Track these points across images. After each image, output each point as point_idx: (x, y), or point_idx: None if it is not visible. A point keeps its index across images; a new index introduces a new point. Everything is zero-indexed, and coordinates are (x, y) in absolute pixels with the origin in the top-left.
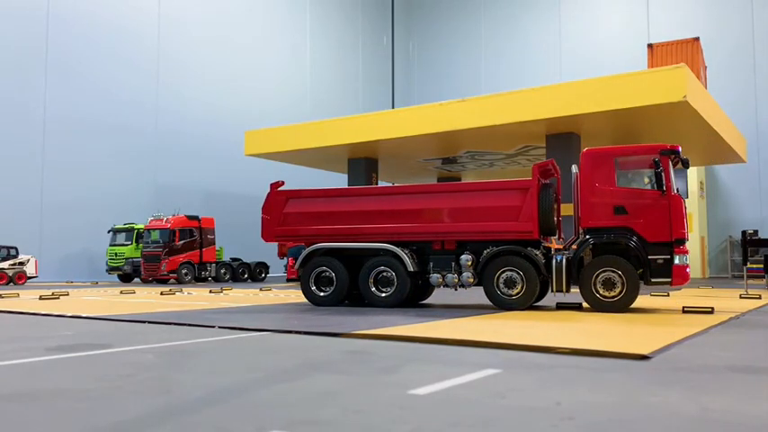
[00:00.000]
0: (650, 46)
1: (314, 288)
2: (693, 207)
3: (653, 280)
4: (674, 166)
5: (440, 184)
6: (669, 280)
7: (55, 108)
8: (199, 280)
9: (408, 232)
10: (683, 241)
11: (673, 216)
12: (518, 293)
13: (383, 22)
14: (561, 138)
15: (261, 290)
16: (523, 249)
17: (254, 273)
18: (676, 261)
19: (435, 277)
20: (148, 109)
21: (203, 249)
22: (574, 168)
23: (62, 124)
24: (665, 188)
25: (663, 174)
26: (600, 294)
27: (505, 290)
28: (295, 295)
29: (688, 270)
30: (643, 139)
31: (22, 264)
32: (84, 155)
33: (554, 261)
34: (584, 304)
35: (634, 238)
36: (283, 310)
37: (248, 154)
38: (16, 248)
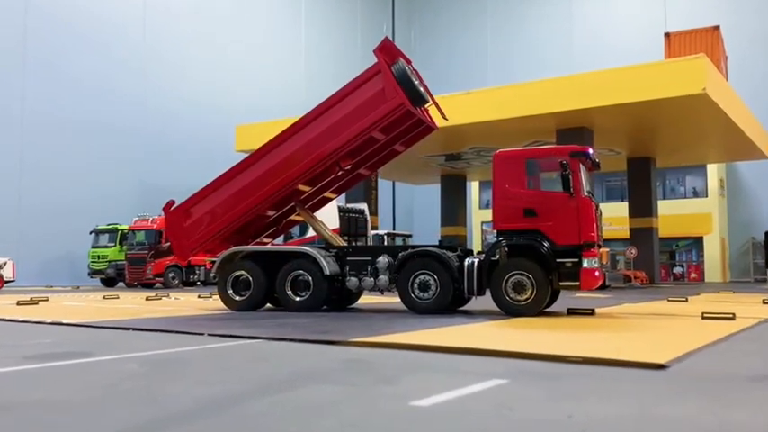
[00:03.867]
0: (667, 35)
1: (231, 292)
2: (713, 207)
3: (561, 284)
4: (587, 168)
5: (299, 121)
6: (577, 284)
7: (33, 105)
8: (187, 284)
9: (297, 176)
10: (592, 244)
11: (581, 219)
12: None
13: (383, 9)
14: (572, 133)
15: None
16: (437, 252)
17: None
18: (585, 264)
19: (353, 281)
20: (133, 104)
21: None
22: None
23: (41, 122)
24: (572, 190)
25: (571, 176)
26: (510, 297)
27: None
28: None
29: (597, 274)
30: (659, 135)
31: None
32: (64, 154)
33: (465, 264)
34: (596, 310)
35: (544, 241)
36: (276, 317)
37: (240, 150)
38: None
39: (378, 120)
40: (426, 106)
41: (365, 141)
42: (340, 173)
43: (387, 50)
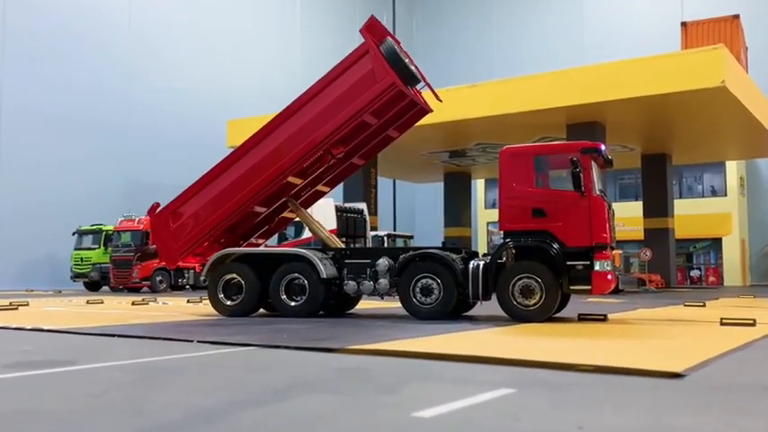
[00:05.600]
0: (684, 24)
1: (221, 296)
2: (733, 206)
3: (572, 288)
4: (599, 165)
5: (287, 109)
6: (589, 288)
7: (12, 100)
8: (175, 288)
9: (287, 167)
10: (604, 246)
11: (593, 219)
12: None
13: None
14: (584, 128)
15: None
16: (440, 254)
17: None
18: (597, 267)
19: (351, 285)
20: (119, 99)
21: None
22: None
23: (19, 118)
24: (583, 189)
25: (582, 173)
26: (518, 302)
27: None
28: None
29: (609, 277)
30: (675, 130)
31: None
32: (44, 151)
33: (470, 267)
34: (609, 316)
35: (553, 243)
36: (270, 323)
37: (231, 145)
38: None
39: (369, 102)
40: (419, 87)
41: (357, 126)
42: (332, 161)
43: (374, 29)
